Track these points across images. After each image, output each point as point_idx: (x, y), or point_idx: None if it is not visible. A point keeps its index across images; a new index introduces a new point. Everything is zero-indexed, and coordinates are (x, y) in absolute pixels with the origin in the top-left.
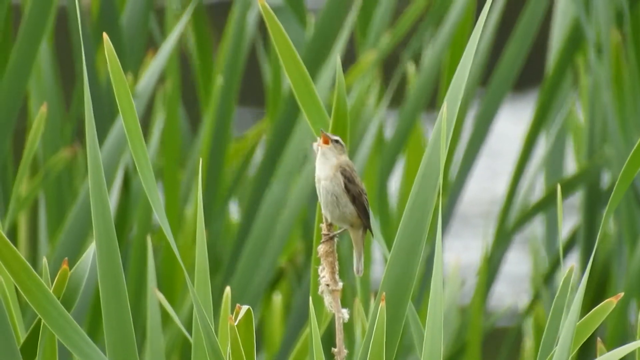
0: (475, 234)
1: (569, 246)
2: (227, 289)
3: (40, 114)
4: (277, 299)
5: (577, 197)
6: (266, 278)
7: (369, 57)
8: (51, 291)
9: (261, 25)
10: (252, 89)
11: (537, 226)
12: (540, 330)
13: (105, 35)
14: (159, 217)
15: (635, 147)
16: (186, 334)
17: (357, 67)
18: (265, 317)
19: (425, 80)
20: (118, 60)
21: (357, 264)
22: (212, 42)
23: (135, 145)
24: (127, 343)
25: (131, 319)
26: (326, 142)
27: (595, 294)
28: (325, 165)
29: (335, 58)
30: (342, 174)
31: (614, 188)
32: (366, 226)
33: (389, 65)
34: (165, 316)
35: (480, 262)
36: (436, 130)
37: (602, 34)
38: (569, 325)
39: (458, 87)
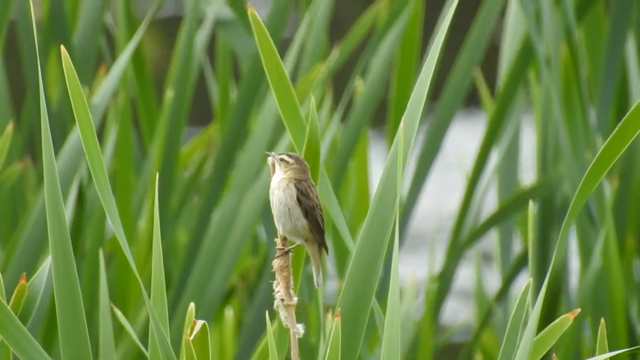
0: (432, 249)
1: (520, 261)
2: (192, 305)
3: (6, 133)
4: (230, 313)
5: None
6: (218, 293)
7: (318, 69)
8: (9, 307)
9: (209, 42)
10: (198, 107)
11: (491, 242)
12: (488, 347)
13: (62, 48)
14: (115, 227)
15: (590, 166)
16: (142, 348)
17: (306, 78)
18: (217, 332)
19: (371, 92)
20: (74, 71)
21: (316, 278)
22: (147, 57)
23: (91, 155)
24: (83, 356)
25: (87, 333)
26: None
27: (545, 309)
28: (277, 178)
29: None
30: (295, 186)
31: (569, 208)
32: (319, 242)
33: (341, 81)
34: (119, 329)
35: (429, 278)
36: (394, 149)
37: (551, 49)
38: (526, 341)
39: (416, 106)
